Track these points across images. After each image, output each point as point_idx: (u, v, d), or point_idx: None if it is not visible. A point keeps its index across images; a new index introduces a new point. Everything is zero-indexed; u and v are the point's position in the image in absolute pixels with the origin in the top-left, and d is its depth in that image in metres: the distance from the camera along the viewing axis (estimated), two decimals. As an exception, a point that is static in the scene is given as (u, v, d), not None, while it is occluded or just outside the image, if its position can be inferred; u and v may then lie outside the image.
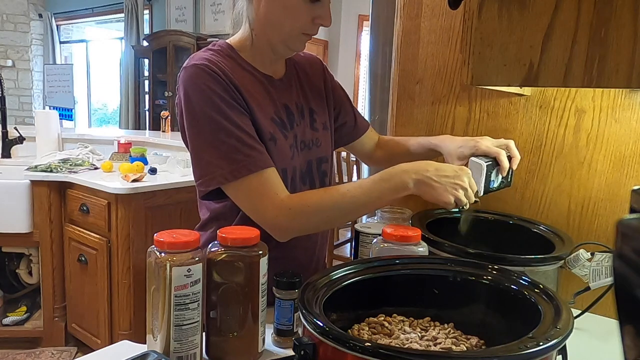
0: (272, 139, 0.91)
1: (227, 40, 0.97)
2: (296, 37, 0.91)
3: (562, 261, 0.89)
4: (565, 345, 0.54)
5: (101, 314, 2.22)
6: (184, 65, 0.89)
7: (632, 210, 0.48)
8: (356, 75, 6.14)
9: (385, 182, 0.84)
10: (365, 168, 1.76)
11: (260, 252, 0.74)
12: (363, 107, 2.01)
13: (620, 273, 0.33)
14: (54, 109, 3.66)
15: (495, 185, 0.96)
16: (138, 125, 5.91)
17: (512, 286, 0.67)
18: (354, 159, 3.96)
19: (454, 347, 0.63)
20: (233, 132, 0.85)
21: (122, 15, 5.95)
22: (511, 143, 0.97)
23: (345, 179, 3.78)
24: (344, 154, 4.20)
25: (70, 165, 2.41)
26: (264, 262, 0.74)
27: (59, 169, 2.34)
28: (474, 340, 0.66)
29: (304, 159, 0.99)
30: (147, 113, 5.64)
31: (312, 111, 1.02)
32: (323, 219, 0.89)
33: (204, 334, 0.74)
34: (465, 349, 0.63)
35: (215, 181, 0.86)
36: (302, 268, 0.97)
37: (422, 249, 0.85)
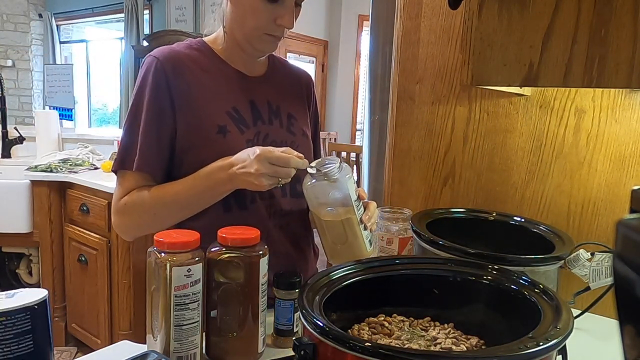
0: (221, 131, 0.92)
1: (202, 38, 1.01)
2: (259, 37, 0.93)
3: (562, 261, 0.89)
4: (565, 345, 0.54)
5: (101, 314, 2.22)
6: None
7: (632, 210, 0.48)
8: (356, 75, 6.14)
9: (204, 180, 0.88)
10: (365, 171, 1.76)
11: (261, 252, 0.74)
12: (363, 107, 2.01)
13: (620, 273, 0.33)
14: (54, 109, 3.66)
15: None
16: (138, 125, 5.91)
17: (512, 286, 0.67)
18: (354, 159, 3.96)
19: (454, 347, 0.63)
20: (140, 129, 0.91)
21: (122, 15, 5.94)
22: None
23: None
24: (343, 153, 4.19)
25: (70, 165, 2.41)
26: (264, 262, 0.74)
27: (59, 169, 2.34)
28: (474, 340, 0.66)
29: None
30: (147, 113, 5.63)
31: (290, 115, 1.03)
32: (152, 217, 0.92)
33: (204, 334, 0.74)
34: (465, 349, 0.63)
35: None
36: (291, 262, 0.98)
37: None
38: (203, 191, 0.88)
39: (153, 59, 0.92)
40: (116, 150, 2.72)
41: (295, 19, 0.93)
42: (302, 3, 0.93)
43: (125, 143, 0.92)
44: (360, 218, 0.88)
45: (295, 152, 0.83)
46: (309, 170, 0.84)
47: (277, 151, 0.82)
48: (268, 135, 0.98)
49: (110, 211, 2.27)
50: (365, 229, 0.89)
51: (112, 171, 0.96)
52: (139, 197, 0.91)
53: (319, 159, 0.87)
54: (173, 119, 0.92)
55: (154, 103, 0.91)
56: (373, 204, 0.93)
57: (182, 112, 0.92)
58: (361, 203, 0.90)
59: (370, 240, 0.91)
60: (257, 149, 0.82)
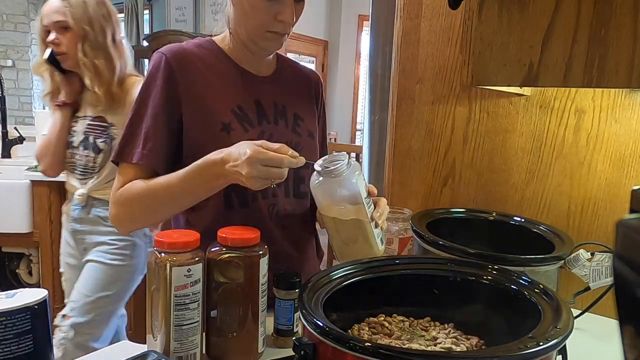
0: (225, 129, 0.92)
1: (212, 37, 1.01)
2: (262, 35, 0.92)
3: (562, 261, 0.89)
4: (565, 345, 0.55)
5: (101, 314, 2.22)
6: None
7: (632, 210, 0.48)
8: (356, 75, 6.14)
9: (198, 173, 0.84)
10: (365, 171, 1.76)
11: (261, 252, 0.74)
12: (363, 107, 2.01)
13: (620, 273, 0.33)
14: (54, 109, 3.65)
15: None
16: (138, 125, 5.91)
17: (512, 286, 0.67)
18: (354, 159, 3.96)
19: (454, 347, 0.63)
20: (143, 122, 0.91)
21: (122, 15, 5.93)
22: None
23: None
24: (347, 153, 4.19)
25: (70, 165, 2.41)
26: (264, 262, 0.74)
27: (59, 169, 2.33)
28: (474, 340, 0.66)
29: None
30: (147, 113, 5.64)
31: (296, 115, 1.02)
32: (145, 209, 0.91)
33: (204, 334, 0.74)
34: (465, 349, 0.63)
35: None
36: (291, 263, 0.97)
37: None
38: (197, 184, 0.85)
39: (160, 55, 0.92)
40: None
41: (298, 16, 0.93)
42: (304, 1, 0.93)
43: (126, 134, 0.92)
44: (371, 216, 0.86)
45: (290, 151, 0.78)
46: (316, 167, 0.82)
47: (271, 150, 0.77)
48: (272, 135, 0.97)
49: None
50: (376, 226, 0.87)
51: (112, 161, 0.97)
52: (133, 188, 0.90)
53: (326, 156, 0.84)
54: (180, 113, 0.92)
55: (161, 96, 0.91)
56: (383, 201, 0.91)
57: (188, 108, 0.92)
58: (371, 200, 0.88)
59: (381, 239, 0.89)
60: (247, 150, 0.76)
